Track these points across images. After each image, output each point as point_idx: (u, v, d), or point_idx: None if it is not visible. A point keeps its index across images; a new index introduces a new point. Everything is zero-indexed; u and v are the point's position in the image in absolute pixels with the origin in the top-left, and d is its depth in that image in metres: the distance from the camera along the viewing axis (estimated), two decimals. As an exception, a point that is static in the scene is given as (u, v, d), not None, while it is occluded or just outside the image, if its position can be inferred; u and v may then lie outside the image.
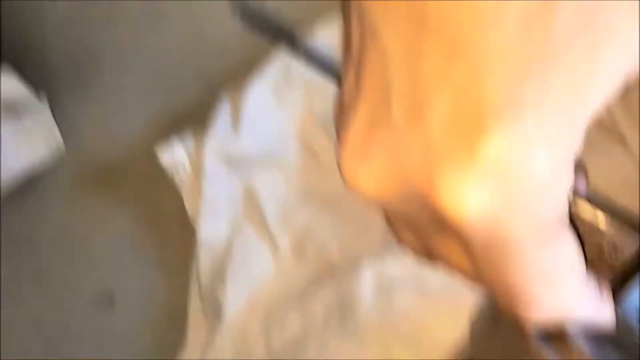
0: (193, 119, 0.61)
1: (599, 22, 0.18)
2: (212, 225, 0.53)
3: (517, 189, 0.20)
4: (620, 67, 0.19)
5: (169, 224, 0.63)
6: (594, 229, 0.26)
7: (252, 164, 0.54)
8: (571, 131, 0.20)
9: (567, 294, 0.23)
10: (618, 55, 0.19)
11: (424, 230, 0.23)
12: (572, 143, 0.20)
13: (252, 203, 0.55)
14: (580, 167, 0.27)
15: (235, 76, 0.61)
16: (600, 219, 0.26)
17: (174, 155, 0.55)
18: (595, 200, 0.27)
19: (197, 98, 0.66)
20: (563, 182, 0.21)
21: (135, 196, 0.66)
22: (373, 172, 0.21)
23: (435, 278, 0.49)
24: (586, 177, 0.28)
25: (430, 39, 0.19)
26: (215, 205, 0.53)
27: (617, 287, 0.26)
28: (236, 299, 0.52)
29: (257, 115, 0.56)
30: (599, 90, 0.19)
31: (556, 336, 0.23)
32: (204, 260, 0.54)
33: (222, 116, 0.52)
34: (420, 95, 0.20)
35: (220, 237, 0.53)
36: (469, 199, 0.20)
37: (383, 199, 0.22)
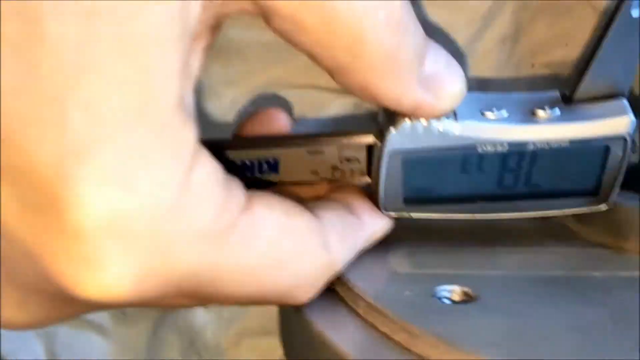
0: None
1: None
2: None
3: (156, 229, 0.17)
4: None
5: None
6: (321, 154, 0.26)
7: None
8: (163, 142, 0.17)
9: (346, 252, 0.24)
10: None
11: None
12: (177, 150, 0.17)
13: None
14: (280, 109, 0.27)
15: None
16: (319, 143, 0.26)
17: None
18: (305, 132, 0.27)
19: None
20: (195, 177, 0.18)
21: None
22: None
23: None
24: (290, 113, 0.29)
25: None
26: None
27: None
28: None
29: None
30: (161, 91, 0.16)
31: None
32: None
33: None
34: None
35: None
36: (119, 280, 0.17)
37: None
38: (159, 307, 0.21)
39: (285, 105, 0.34)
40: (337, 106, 0.37)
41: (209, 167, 0.18)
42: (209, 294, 0.19)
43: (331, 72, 0.21)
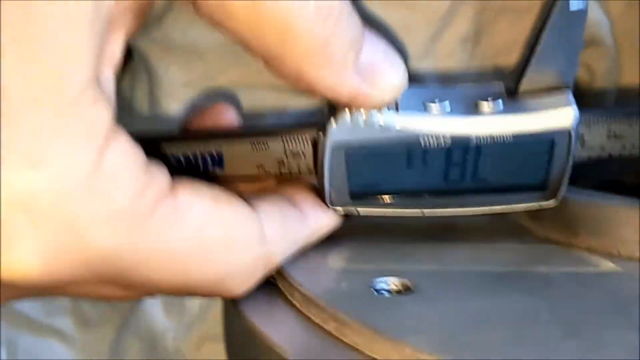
0: None
1: None
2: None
3: (65, 204, 0.16)
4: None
5: None
6: (266, 147, 0.26)
7: None
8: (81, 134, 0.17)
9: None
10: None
11: None
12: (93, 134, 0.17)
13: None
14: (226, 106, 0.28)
15: None
16: (263, 137, 0.26)
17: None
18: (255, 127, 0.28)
19: None
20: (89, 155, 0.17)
21: None
22: None
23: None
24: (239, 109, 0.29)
25: None
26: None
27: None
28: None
29: None
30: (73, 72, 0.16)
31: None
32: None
33: None
34: None
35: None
36: (27, 257, 0.16)
37: None
38: (89, 297, 0.20)
39: (234, 101, 0.34)
40: (298, 107, 0.37)
41: (126, 149, 0.18)
42: (133, 279, 0.19)
43: (265, 61, 0.21)
